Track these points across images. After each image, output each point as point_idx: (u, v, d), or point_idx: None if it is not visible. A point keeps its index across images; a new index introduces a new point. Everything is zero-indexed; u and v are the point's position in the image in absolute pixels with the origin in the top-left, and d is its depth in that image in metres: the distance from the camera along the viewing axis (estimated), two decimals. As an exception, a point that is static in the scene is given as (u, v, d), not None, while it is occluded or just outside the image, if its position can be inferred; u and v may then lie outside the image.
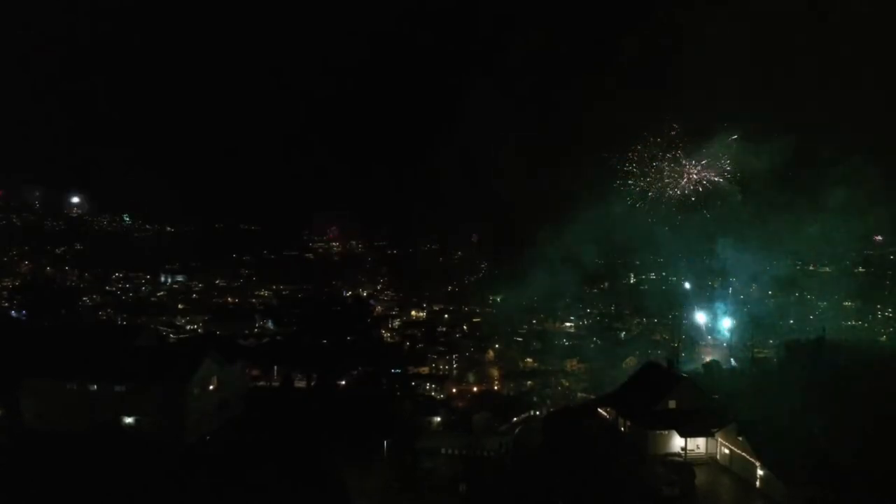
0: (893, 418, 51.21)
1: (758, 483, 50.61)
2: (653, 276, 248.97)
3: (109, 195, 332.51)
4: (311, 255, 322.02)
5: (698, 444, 58.25)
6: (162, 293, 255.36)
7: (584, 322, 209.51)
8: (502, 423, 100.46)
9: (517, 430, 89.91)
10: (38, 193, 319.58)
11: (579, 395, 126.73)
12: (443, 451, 75.60)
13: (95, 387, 58.11)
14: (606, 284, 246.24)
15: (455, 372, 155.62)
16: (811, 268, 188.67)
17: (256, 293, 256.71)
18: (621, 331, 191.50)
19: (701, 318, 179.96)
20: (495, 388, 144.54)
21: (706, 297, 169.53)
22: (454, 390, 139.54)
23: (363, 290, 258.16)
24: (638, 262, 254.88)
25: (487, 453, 74.42)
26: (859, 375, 67.38)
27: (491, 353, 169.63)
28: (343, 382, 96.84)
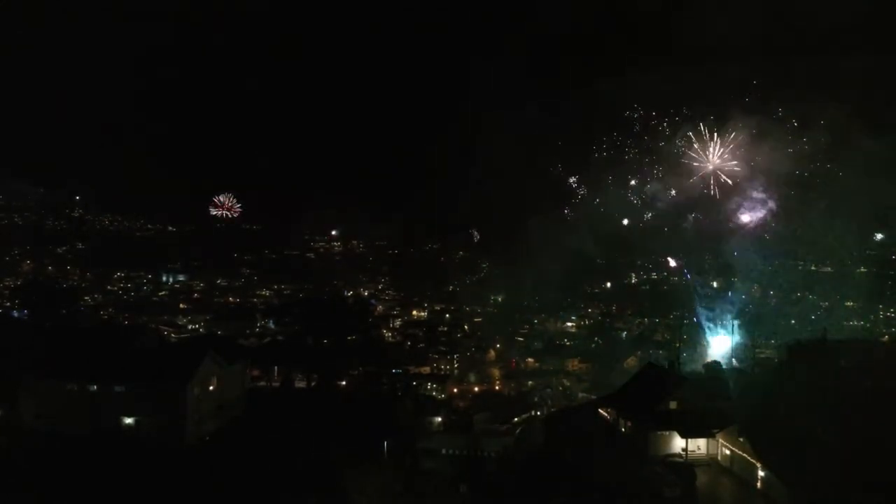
0: (894, 419, 51.08)
1: (759, 484, 50.45)
2: (654, 275, 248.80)
3: (111, 195, 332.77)
4: (312, 255, 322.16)
5: (699, 445, 58.09)
6: (163, 293, 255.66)
7: (585, 322, 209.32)
8: (503, 424, 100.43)
9: (518, 431, 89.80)
10: (39, 193, 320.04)
11: (580, 395, 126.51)
12: (444, 451, 75.63)
13: (95, 387, 57.99)
14: (608, 284, 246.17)
15: (456, 372, 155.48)
16: (813, 268, 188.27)
17: (258, 293, 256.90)
18: (622, 331, 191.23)
19: (703, 318, 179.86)
20: (496, 388, 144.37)
21: (708, 297, 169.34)
22: (455, 390, 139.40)
23: (364, 290, 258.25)
24: (639, 262, 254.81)
25: (488, 454, 74.37)
26: (861, 376, 67.29)
27: (492, 353, 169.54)
28: (344, 382, 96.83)
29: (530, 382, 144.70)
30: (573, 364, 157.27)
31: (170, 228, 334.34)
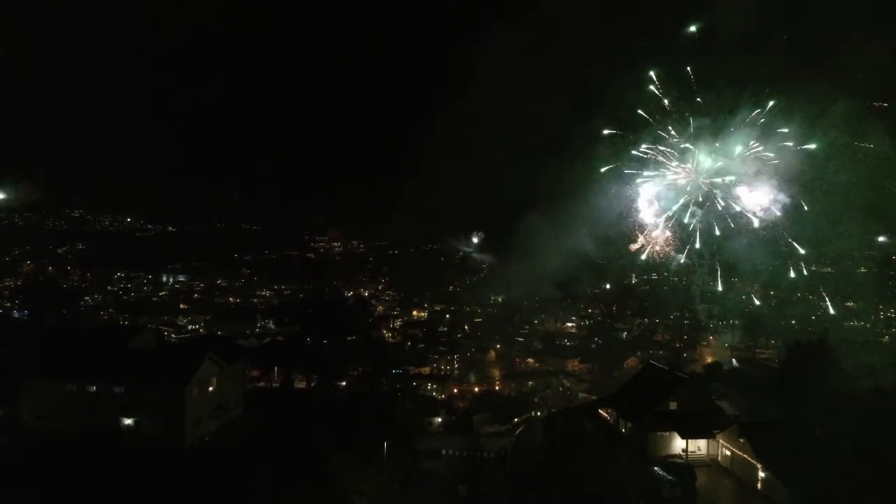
0: (894, 419, 51.07)
1: (759, 485, 50.42)
2: (654, 275, 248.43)
3: (111, 195, 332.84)
4: (312, 255, 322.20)
5: (699, 446, 58.10)
6: (163, 293, 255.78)
7: (585, 322, 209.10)
8: (503, 424, 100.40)
9: (518, 431, 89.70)
10: (39, 193, 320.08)
11: (580, 395, 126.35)
12: (443, 451, 75.63)
13: (95, 388, 57.92)
14: (608, 285, 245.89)
15: (456, 372, 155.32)
16: (813, 268, 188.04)
17: (258, 293, 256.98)
18: (623, 331, 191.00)
19: (703, 317, 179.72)
20: (496, 388, 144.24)
21: (708, 298, 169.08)
22: (455, 391, 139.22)
23: (364, 290, 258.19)
24: (640, 262, 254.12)
25: (488, 454, 74.33)
26: (860, 377, 67.33)
27: (492, 353, 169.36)
28: (343, 383, 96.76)
29: (530, 383, 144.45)
30: (573, 364, 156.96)
31: (170, 228, 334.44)
